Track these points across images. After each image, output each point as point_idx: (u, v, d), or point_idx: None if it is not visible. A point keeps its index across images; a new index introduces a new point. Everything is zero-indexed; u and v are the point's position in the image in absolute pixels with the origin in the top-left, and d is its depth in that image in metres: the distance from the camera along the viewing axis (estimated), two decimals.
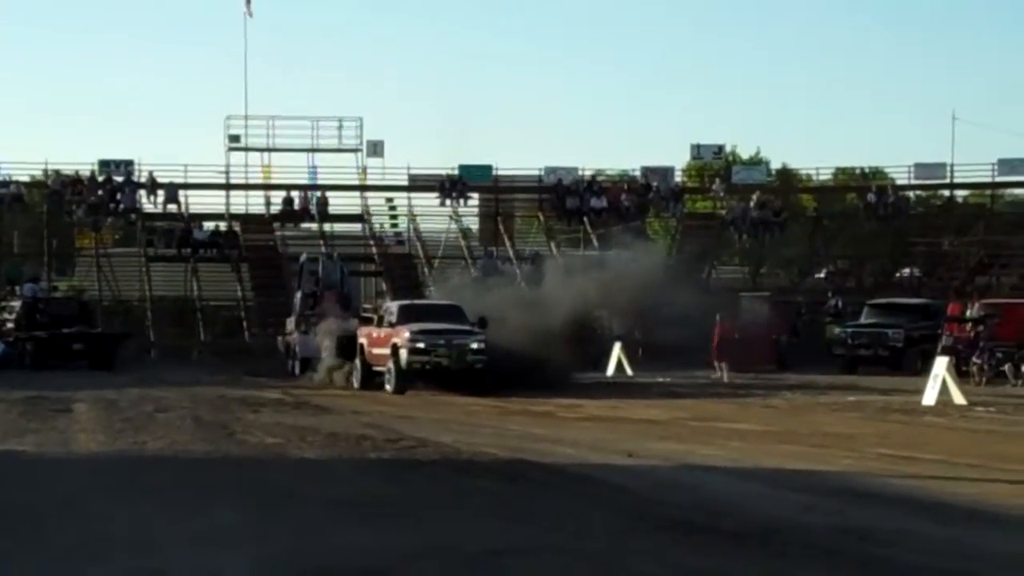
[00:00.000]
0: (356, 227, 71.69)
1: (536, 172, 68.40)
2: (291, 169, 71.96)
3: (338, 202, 71.80)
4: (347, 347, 45.66)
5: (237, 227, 69.96)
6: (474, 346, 41.53)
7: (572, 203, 69.71)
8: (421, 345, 41.23)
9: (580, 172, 71.51)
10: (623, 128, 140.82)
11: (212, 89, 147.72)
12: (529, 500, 19.47)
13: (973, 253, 61.05)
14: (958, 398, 36.90)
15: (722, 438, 28.33)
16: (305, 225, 72.02)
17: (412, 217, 71.89)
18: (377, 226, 72.03)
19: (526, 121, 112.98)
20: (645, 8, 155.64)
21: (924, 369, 39.41)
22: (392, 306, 44.92)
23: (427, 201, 72.19)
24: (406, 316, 42.84)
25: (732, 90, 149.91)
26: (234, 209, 71.67)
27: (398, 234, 71.90)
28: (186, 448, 25.98)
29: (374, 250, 68.93)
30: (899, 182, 73.65)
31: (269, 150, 71.32)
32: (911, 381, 39.17)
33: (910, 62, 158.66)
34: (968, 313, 49.45)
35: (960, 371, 41.30)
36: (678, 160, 77.29)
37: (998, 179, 72.45)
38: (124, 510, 18.00)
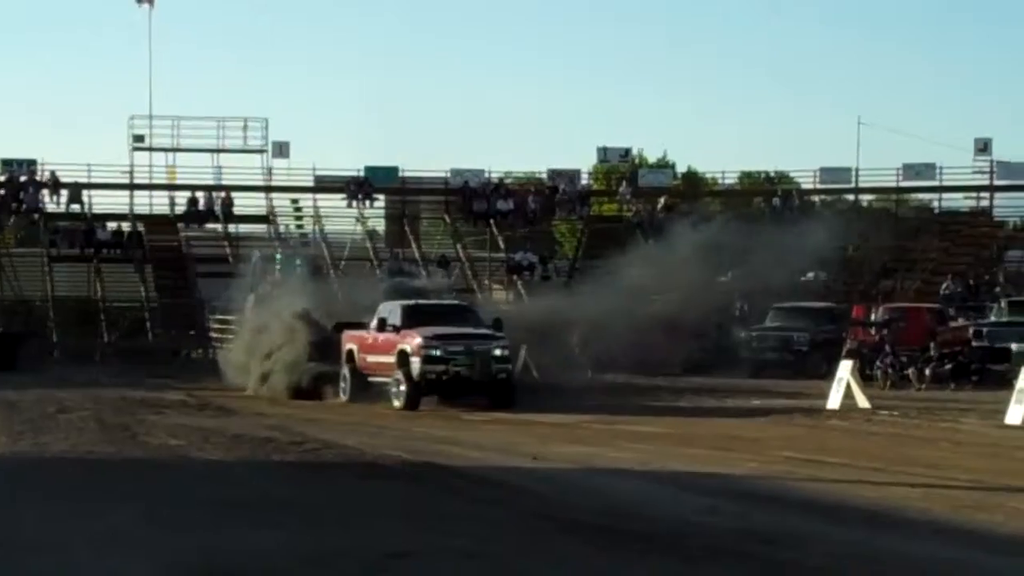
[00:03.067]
0: (261, 228, 71.20)
1: (443, 174, 68.36)
2: (196, 169, 71.38)
3: (243, 203, 71.05)
4: (324, 351, 41.24)
5: (141, 227, 69.04)
6: (497, 353, 36.64)
7: (479, 205, 69.62)
8: (437, 353, 36.02)
9: (487, 174, 71.53)
10: (530, 131, 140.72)
11: (116, 89, 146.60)
12: (433, 503, 19.48)
13: (878, 257, 61.38)
14: (862, 402, 37.15)
15: (627, 441, 28.40)
16: (210, 226, 71.51)
17: (318, 218, 71.60)
18: (282, 227, 71.64)
19: (433, 123, 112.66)
20: (551, 11, 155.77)
21: (829, 373, 39.66)
22: (393, 307, 38.86)
23: (333, 202, 71.84)
24: (413, 319, 37.62)
25: (639, 94, 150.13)
26: (138, 209, 70.78)
27: (304, 235, 71.55)
28: (89, 450, 25.85)
29: (279, 252, 68.46)
30: (804, 186, 74.07)
31: (173, 150, 70.77)
32: (816, 384, 39.40)
33: (816, 67, 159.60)
34: (873, 317, 49.81)
35: (864, 375, 41.57)
36: (585, 163, 77.46)
37: (903, 184, 73.09)
38: (28, 512, 17.90)
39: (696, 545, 15.71)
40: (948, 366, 45.15)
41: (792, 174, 76.13)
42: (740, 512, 18.74)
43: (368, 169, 70.26)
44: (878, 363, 45.10)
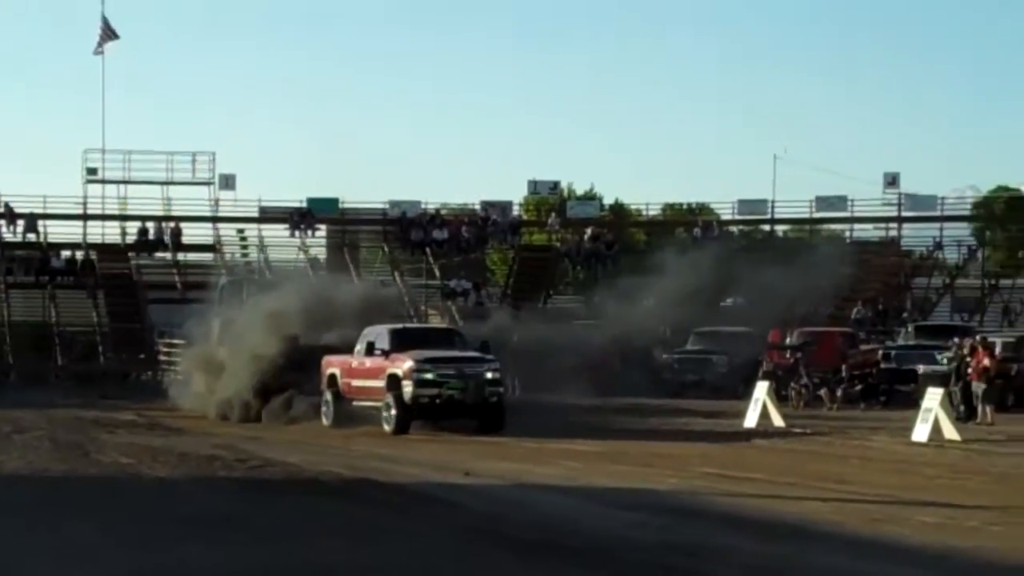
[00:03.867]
0: (208, 256, 70.95)
1: (381, 205, 68.32)
2: (146, 200, 71.01)
3: (191, 233, 71.02)
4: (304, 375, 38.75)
5: (94, 256, 68.75)
6: (489, 376, 34.53)
7: (416, 235, 69.69)
8: (429, 376, 33.88)
9: (423, 205, 71.60)
10: (464, 165, 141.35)
11: (70, 123, 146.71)
12: (371, 519, 19.43)
13: (793, 283, 61.55)
14: (777, 420, 37.32)
15: (556, 458, 28.38)
16: (159, 254, 71.33)
17: (262, 247, 71.49)
18: (228, 256, 71.43)
19: (373, 157, 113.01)
20: (485, 53, 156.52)
21: (746, 393, 39.79)
22: (380, 331, 36.37)
23: (277, 232, 71.78)
24: (401, 342, 35.37)
25: (568, 130, 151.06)
26: (91, 239, 70.52)
27: (249, 264, 71.37)
28: (44, 468, 25.72)
29: (225, 279, 68.28)
30: (724, 217, 74.53)
31: (125, 182, 70.62)
32: (734, 405, 39.46)
33: (735, 104, 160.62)
34: (787, 341, 49.96)
35: (780, 395, 41.73)
36: (516, 195, 77.55)
37: (816, 215, 73.60)
38: None
39: (623, 558, 15.71)
40: (858, 387, 45.37)
41: (712, 205, 76.55)
42: (664, 526, 18.77)
43: (310, 200, 70.43)
44: (792, 384, 45.22)
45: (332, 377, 37.15)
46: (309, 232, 71.15)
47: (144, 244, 70.54)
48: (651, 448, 30.25)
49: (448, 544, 16.99)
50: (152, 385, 55.33)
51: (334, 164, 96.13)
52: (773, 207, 72.90)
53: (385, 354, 34.85)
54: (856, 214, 73.18)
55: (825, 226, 75.25)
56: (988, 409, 40.33)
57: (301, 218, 70.50)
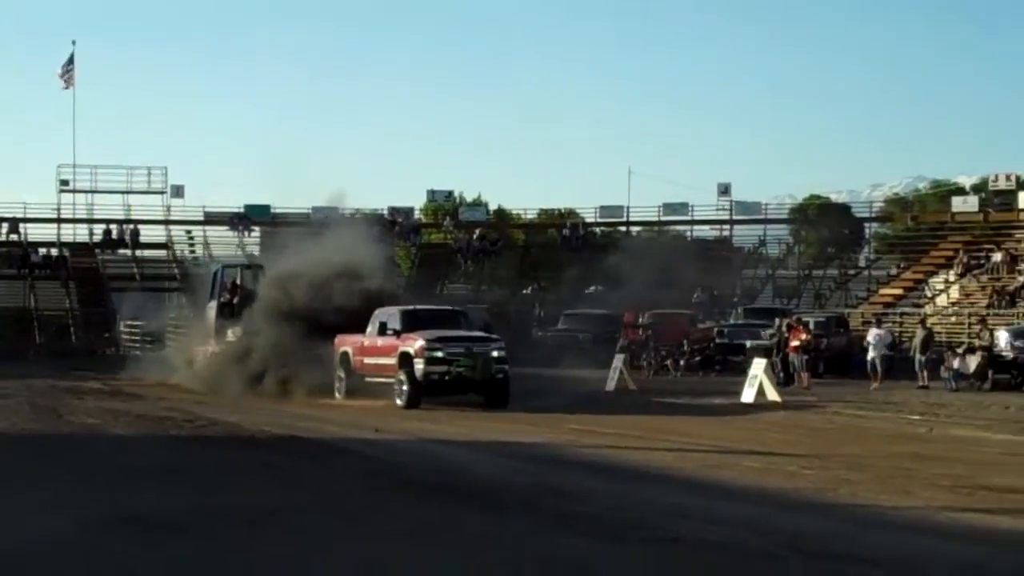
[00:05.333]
0: (162, 253, 71.06)
1: (306, 211, 67.80)
2: (109, 207, 71.33)
3: (147, 233, 71.29)
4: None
5: (66, 253, 68.97)
6: (495, 354, 31.78)
7: None
8: (439, 354, 31.12)
9: (340, 211, 71.29)
10: (375, 176, 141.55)
11: (46, 143, 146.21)
12: (298, 468, 19.29)
13: (644, 275, 61.71)
14: (632, 386, 37.57)
15: (450, 417, 28.34)
16: (121, 251, 71.15)
17: (207, 245, 71.46)
18: (179, 252, 71.47)
19: (299, 169, 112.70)
20: (393, 81, 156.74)
21: (607, 363, 39.94)
22: (391, 312, 33.48)
23: (219, 233, 71.82)
24: (412, 323, 32.62)
25: (461, 147, 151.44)
26: (64, 238, 70.70)
27: (196, 259, 71.15)
28: (23, 428, 25.42)
29: (176, 271, 68.38)
30: (588, 220, 74.78)
31: (92, 192, 70.69)
32: (596, 373, 39.52)
33: (598, 126, 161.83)
34: (640, 321, 50.18)
35: (634, 365, 41.93)
36: (417, 202, 77.68)
37: (663, 218, 74.07)
38: None
39: (503, 498, 15.69)
40: (698, 358, 45.74)
41: (578, 210, 76.65)
42: (537, 472, 18.76)
43: (247, 206, 70.80)
44: (644, 356, 45.47)
45: (345, 355, 34.35)
46: (246, 233, 71.54)
47: (108, 243, 70.90)
48: (528, 409, 30.18)
49: (358, 487, 16.92)
50: (114, 359, 55.00)
51: (267, 176, 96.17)
52: (628, 212, 73.65)
53: (397, 334, 32.17)
54: (696, 217, 73.94)
55: (670, 227, 75.57)
56: (804, 375, 40.73)
57: (239, 221, 71.14)
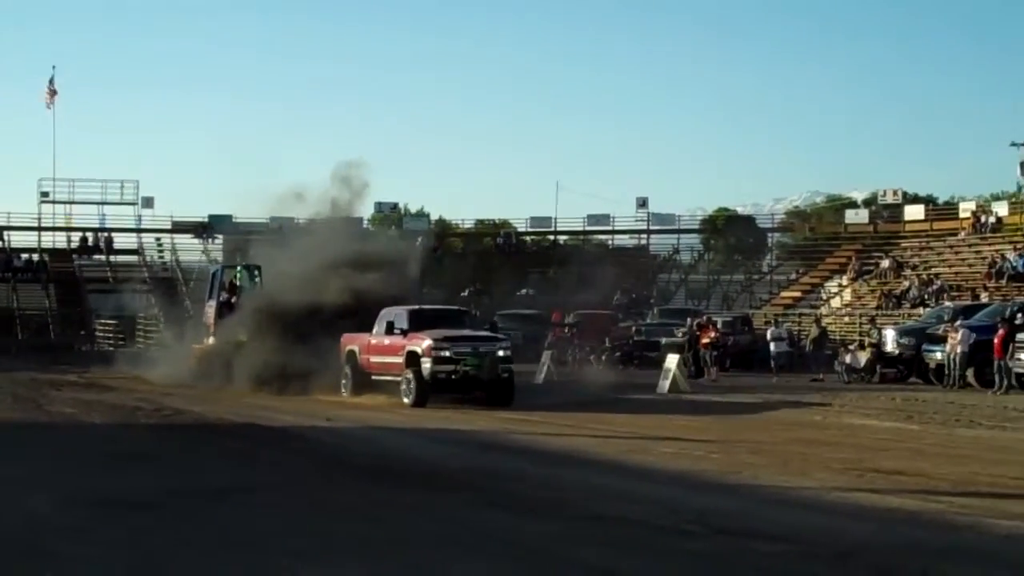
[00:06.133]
0: (133, 259, 70.51)
1: (265, 220, 67.40)
2: (86, 216, 70.68)
3: (120, 240, 70.86)
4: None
5: (47, 258, 68.49)
6: (501, 353, 29.76)
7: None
8: (447, 353, 28.90)
9: (296, 220, 70.88)
10: (328, 187, 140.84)
11: (28, 157, 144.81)
12: (257, 452, 19.19)
13: (570, 279, 61.78)
14: (558, 378, 37.62)
15: (395, 409, 28.19)
16: (96, 257, 70.68)
17: (174, 252, 71.11)
18: (149, 258, 71.10)
19: (258, 181, 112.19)
20: (341, 101, 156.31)
21: (535, 359, 40.02)
22: (398, 311, 31.04)
23: (186, 240, 71.51)
24: (418, 322, 30.31)
25: (404, 162, 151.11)
26: (44, 245, 70.19)
27: (164, 264, 70.82)
28: (6, 416, 25.17)
29: (146, 275, 67.95)
30: (520, 229, 74.83)
31: (70, 202, 70.17)
32: (526, 367, 39.38)
33: (528, 143, 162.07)
34: (566, 320, 50.22)
35: (560, 360, 41.93)
36: (366, 212, 77.34)
37: (587, 228, 74.25)
38: None
39: (442, 480, 15.66)
40: (618, 354, 45.77)
41: (511, 220, 76.65)
42: (474, 456, 18.77)
43: (211, 216, 70.26)
44: (569, 352, 45.48)
45: (351, 353, 32.04)
46: (210, 240, 70.94)
47: (84, 249, 70.44)
48: (466, 400, 30.02)
49: (309, 470, 16.84)
50: (90, 354, 54.71)
51: (229, 187, 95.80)
52: (556, 222, 73.66)
53: (404, 333, 29.99)
54: (616, 227, 74.11)
55: (594, 236, 75.72)
56: (713, 369, 40.92)
57: (204, 229, 70.59)
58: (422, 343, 29.12)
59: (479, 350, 29.38)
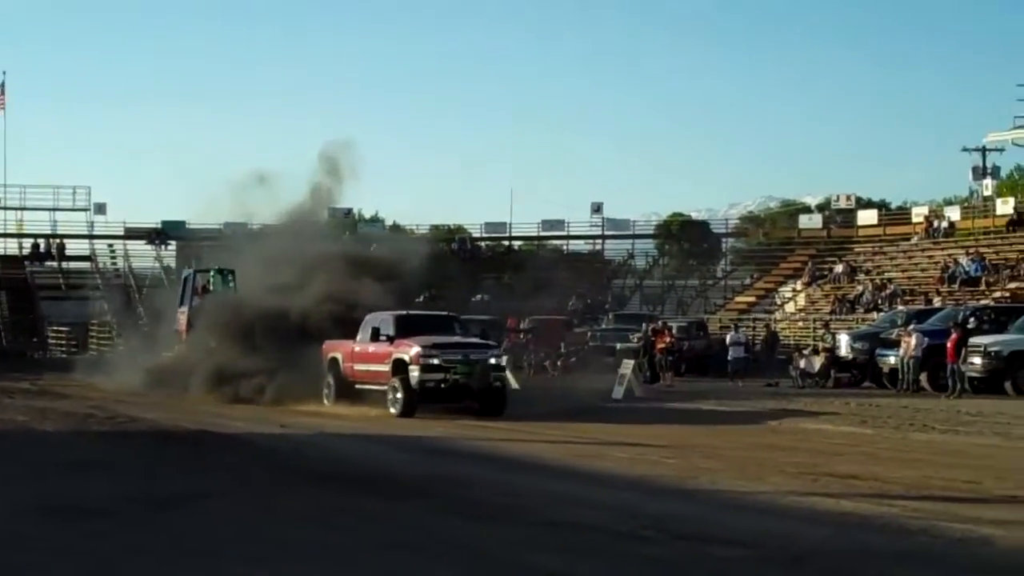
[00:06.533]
0: (86, 265, 70.06)
1: (218, 226, 67.21)
2: (38, 222, 70.29)
3: (72, 247, 70.21)
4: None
5: None
6: (493, 361, 28.12)
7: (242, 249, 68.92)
8: (436, 361, 27.23)
9: (249, 226, 70.65)
10: (281, 196, 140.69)
11: None
12: (208, 459, 19.08)
13: (525, 284, 61.84)
14: (515, 384, 37.37)
15: (350, 415, 28.06)
16: (48, 263, 70.07)
17: (127, 258, 70.65)
18: (101, 264, 70.51)
19: (212, 187, 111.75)
20: (299, 95, 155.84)
21: None
22: (384, 317, 29.25)
23: (138, 247, 70.93)
24: (405, 329, 28.50)
25: (358, 166, 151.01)
26: None
27: (117, 270, 70.35)
28: None
29: (99, 282, 67.48)
30: (475, 235, 74.80)
31: (22, 208, 69.89)
32: None
33: (482, 150, 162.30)
34: (521, 325, 50.23)
35: (516, 366, 41.87)
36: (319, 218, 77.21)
37: (542, 234, 74.27)
38: None
39: (396, 485, 15.64)
40: (573, 359, 45.81)
41: (466, 226, 76.62)
42: (429, 462, 18.77)
43: (164, 223, 69.79)
44: (525, 357, 45.50)
45: (334, 361, 30.37)
46: (163, 246, 70.51)
47: (36, 255, 69.64)
48: (458, 410, 29.48)
49: (263, 476, 16.78)
50: (43, 361, 54.34)
51: (182, 193, 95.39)
52: (510, 228, 73.61)
53: (390, 339, 28.26)
54: (571, 232, 74.15)
55: (548, 242, 75.79)
56: (668, 374, 41.08)
57: (156, 236, 70.07)
58: (410, 350, 27.48)
59: (470, 358, 27.72)
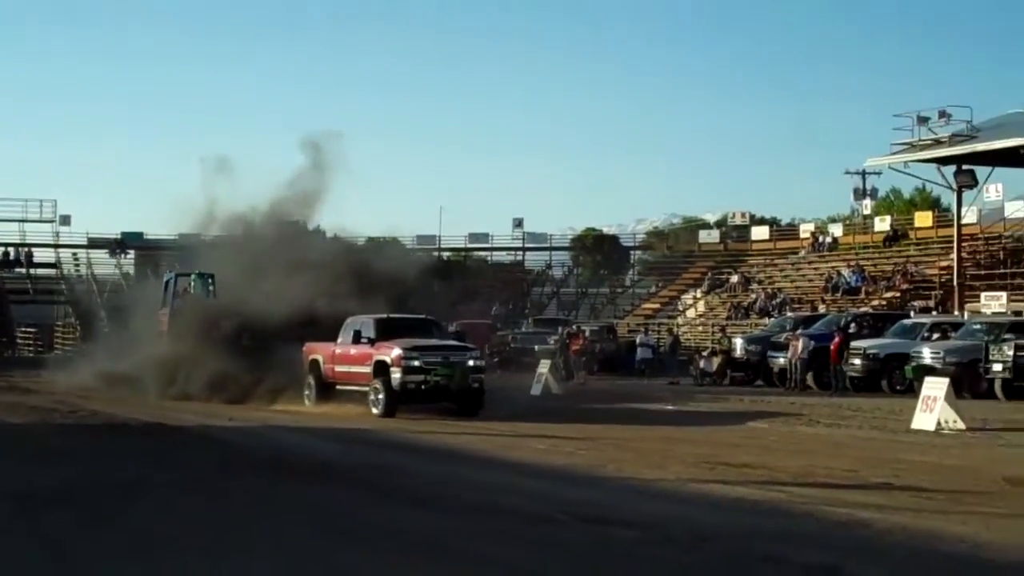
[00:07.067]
0: (52, 272, 69.49)
1: (174, 237, 66.60)
2: (7, 232, 69.18)
3: (40, 255, 69.48)
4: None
5: None
6: (471, 363, 26.79)
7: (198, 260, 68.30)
8: (417, 363, 26.01)
9: (201, 236, 70.04)
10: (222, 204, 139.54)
11: None
12: (161, 450, 18.88)
13: (455, 291, 61.71)
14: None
15: (293, 410, 27.84)
16: (17, 270, 69.23)
17: (90, 266, 70.07)
18: (66, 271, 69.97)
19: (169, 200, 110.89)
20: (253, 122, 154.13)
21: None
22: (364, 320, 27.93)
23: (100, 255, 70.44)
24: (386, 331, 27.23)
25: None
26: None
27: (80, 277, 69.68)
28: None
29: (64, 287, 66.83)
30: (408, 246, 74.63)
31: None
32: None
33: (413, 164, 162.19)
34: (449, 329, 50.07)
35: None
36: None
37: (468, 246, 74.31)
38: None
39: (334, 474, 15.56)
40: (496, 360, 45.82)
41: (399, 238, 76.34)
42: (365, 453, 18.70)
43: (124, 233, 69.37)
44: None
45: (315, 362, 28.98)
46: (123, 255, 69.96)
47: (6, 263, 68.98)
48: (359, 401, 29.43)
49: (213, 465, 16.62)
50: (11, 360, 53.51)
51: (140, 206, 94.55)
52: (440, 240, 73.44)
53: (371, 342, 26.96)
54: (495, 245, 74.26)
55: (474, 253, 75.79)
56: (582, 373, 41.19)
57: (117, 245, 69.60)
58: (391, 352, 26.22)
59: (450, 360, 26.51)
